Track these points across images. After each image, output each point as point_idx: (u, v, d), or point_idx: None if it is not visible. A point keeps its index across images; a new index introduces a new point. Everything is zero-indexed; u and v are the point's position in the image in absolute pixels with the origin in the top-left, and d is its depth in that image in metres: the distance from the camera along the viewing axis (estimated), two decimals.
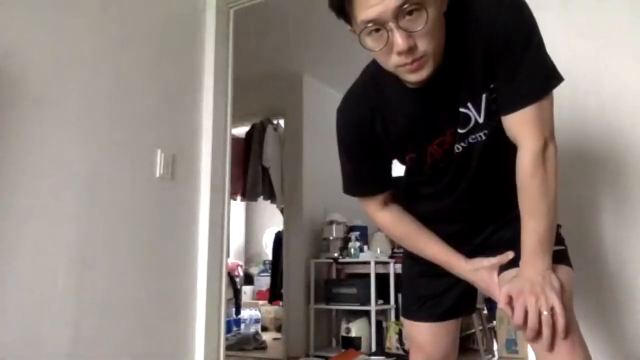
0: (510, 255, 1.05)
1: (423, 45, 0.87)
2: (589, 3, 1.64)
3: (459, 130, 1.02)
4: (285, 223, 4.36)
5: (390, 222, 1.19)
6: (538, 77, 0.94)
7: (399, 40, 0.85)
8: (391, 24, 0.85)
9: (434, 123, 1.03)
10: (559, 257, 1.00)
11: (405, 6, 0.83)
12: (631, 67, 1.56)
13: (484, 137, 1.02)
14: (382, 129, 1.06)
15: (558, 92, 0.97)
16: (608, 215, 1.57)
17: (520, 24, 0.93)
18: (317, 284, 4.09)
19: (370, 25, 0.86)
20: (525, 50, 0.93)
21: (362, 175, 1.16)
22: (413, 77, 0.93)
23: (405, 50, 0.86)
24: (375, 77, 1.04)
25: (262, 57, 4.00)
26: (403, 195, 1.22)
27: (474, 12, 0.95)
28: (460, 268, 1.12)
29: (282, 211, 4.55)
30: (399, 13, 0.84)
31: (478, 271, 1.09)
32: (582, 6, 1.64)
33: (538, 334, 0.90)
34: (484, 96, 0.98)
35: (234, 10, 2.49)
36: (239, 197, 4.53)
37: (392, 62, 0.90)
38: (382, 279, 3.91)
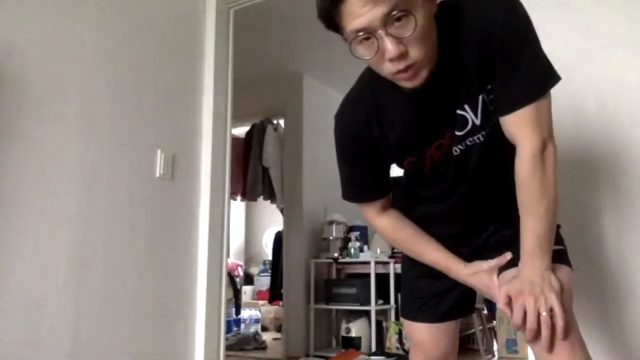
0: (508, 256, 1.05)
1: (414, 51, 0.87)
2: (587, 3, 1.64)
3: (457, 133, 1.02)
4: (285, 223, 4.36)
5: (389, 227, 1.19)
6: (535, 77, 0.94)
7: (389, 47, 0.85)
8: (380, 32, 0.84)
9: (432, 126, 1.03)
10: (559, 257, 1.00)
11: (393, 13, 0.83)
12: (630, 66, 1.56)
13: (481, 139, 1.02)
14: (380, 134, 1.06)
15: (557, 92, 0.97)
16: (608, 215, 1.57)
17: (515, 23, 0.93)
18: (317, 284, 4.09)
19: (360, 34, 0.86)
20: (521, 50, 0.92)
21: (361, 182, 1.16)
22: (408, 84, 0.93)
23: (397, 57, 0.86)
24: (371, 82, 1.04)
25: (262, 57, 4.00)
26: (404, 197, 1.22)
27: (467, 13, 0.94)
28: (459, 272, 1.12)
29: (282, 211, 4.55)
30: (387, 20, 0.83)
31: (478, 274, 1.09)
32: (581, 6, 1.64)
33: (537, 334, 0.90)
34: (480, 97, 0.98)
35: (234, 10, 2.49)
36: (239, 197, 4.53)
37: (385, 69, 0.90)
38: (382, 279, 3.91)
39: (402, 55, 0.86)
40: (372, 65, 0.94)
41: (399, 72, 0.89)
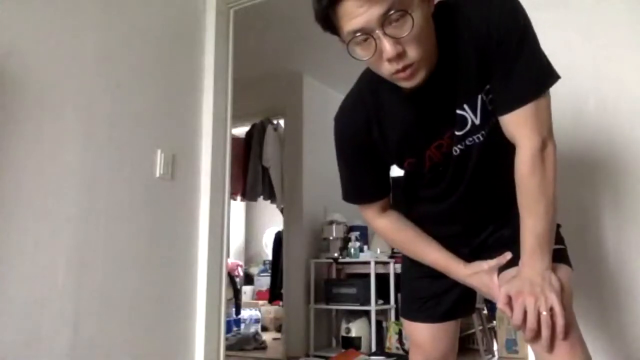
0: (508, 256, 1.05)
1: (412, 52, 0.87)
2: (587, 3, 1.64)
3: (456, 133, 1.02)
4: (285, 223, 4.36)
5: (389, 228, 1.19)
6: (533, 76, 0.94)
7: (387, 47, 0.85)
8: (378, 32, 0.85)
9: (431, 126, 1.03)
10: (559, 257, 1.00)
11: (390, 13, 0.83)
12: (630, 67, 1.56)
13: (481, 139, 1.02)
14: (380, 135, 1.06)
15: (557, 92, 0.97)
16: (608, 215, 1.57)
17: (513, 23, 0.93)
18: (317, 284, 4.09)
19: (357, 35, 0.86)
20: (520, 49, 0.92)
21: (360, 183, 1.16)
22: (407, 84, 0.93)
23: (394, 57, 0.86)
24: (371, 83, 1.04)
25: (262, 57, 4.00)
26: (403, 197, 1.22)
27: (465, 12, 0.95)
28: (459, 273, 1.12)
29: (282, 211, 4.55)
30: (384, 20, 0.84)
31: (478, 275, 1.09)
32: (581, 6, 1.64)
33: (537, 334, 0.90)
34: (479, 97, 0.98)
35: (234, 10, 2.49)
36: (239, 197, 4.53)
37: (384, 69, 0.90)
38: (382, 279, 3.91)
39: (400, 55, 0.86)
40: (370, 66, 0.94)
41: (397, 72, 0.89)
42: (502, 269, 1.06)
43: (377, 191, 1.16)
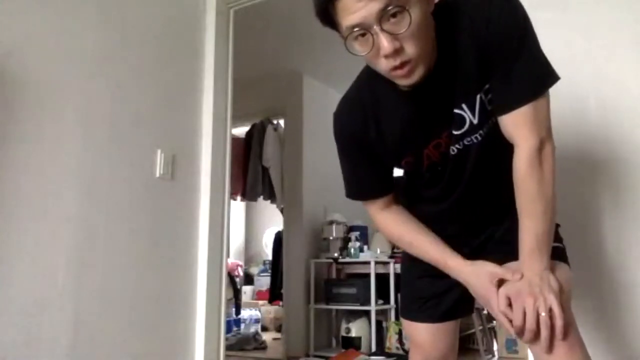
0: (517, 276, 0.99)
1: (410, 48, 0.87)
2: (588, 3, 1.64)
3: (454, 132, 1.01)
4: (285, 223, 4.36)
5: (388, 223, 1.17)
6: (533, 77, 0.94)
7: (384, 43, 0.85)
8: (375, 28, 0.85)
9: (429, 125, 1.03)
10: (558, 255, 1.00)
11: (389, 8, 0.83)
12: (631, 67, 1.56)
13: (479, 139, 1.02)
14: (377, 134, 1.06)
15: (557, 92, 0.97)
16: (608, 214, 1.57)
17: (514, 23, 0.93)
18: (317, 284, 4.09)
19: (355, 30, 0.86)
20: (520, 49, 0.92)
21: (362, 180, 1.16)
22: (404, 82, 0.93)
23: (391, 53, 0.86)
24: (369, 80, 1.04)
25: (262, 57, 4.00)
26: (404, 197, 1.22)
27: (465, 12, 0.94)
28: (454, 267, 1.08)
29: (282, 211, 4.55)
30: (382, 16, 0.84)
31: (477, 273, 1.06)
32: (581, 6, 1.64)
33: (536, 335, 0.90)
34: (478, 97, 0.98)
35: (234, 10, 2.49)
36: (239, 197, 4.53)
37: (381, 66, 0.90)
38: (382, 279, 3.91)
39: (397, 52, 0.87)
40: (368, 62, 0.94)
41: (395, 68, 0.89)
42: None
43: (380, 188, 1.15)
